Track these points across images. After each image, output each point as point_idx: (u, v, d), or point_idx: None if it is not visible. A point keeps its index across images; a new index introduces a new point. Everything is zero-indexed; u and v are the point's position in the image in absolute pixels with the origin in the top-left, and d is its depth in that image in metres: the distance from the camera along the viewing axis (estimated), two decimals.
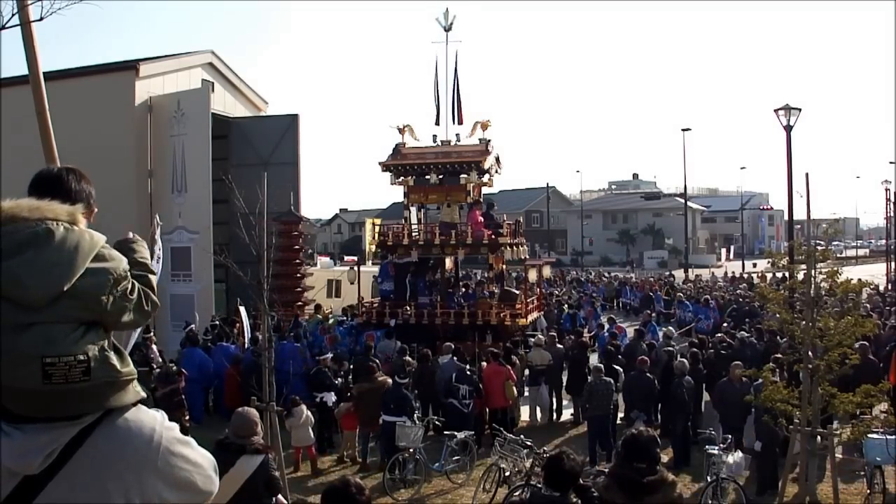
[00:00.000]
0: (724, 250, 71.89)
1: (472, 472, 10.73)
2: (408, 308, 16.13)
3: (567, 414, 14.81)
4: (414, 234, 16.81)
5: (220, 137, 21.88)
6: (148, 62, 21.93)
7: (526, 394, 14.42)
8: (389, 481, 10.30)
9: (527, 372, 14.50)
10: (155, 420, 1.61)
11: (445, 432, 11.03)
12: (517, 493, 8.55)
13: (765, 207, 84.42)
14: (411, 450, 10.48)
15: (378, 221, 18.36)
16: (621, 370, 12.98)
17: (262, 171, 9.71)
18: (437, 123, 17.48)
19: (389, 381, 11.54)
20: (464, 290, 18.75)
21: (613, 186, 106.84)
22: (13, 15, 3.98)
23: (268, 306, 8.35)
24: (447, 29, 17.33)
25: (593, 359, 15.57)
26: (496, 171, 17.55)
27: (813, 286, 8.32)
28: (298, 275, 21.15)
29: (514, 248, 17.37)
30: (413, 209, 17.54)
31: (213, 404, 14.88)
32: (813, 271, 8.40)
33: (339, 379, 13.14)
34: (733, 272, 44.09)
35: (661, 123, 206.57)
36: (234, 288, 18.11)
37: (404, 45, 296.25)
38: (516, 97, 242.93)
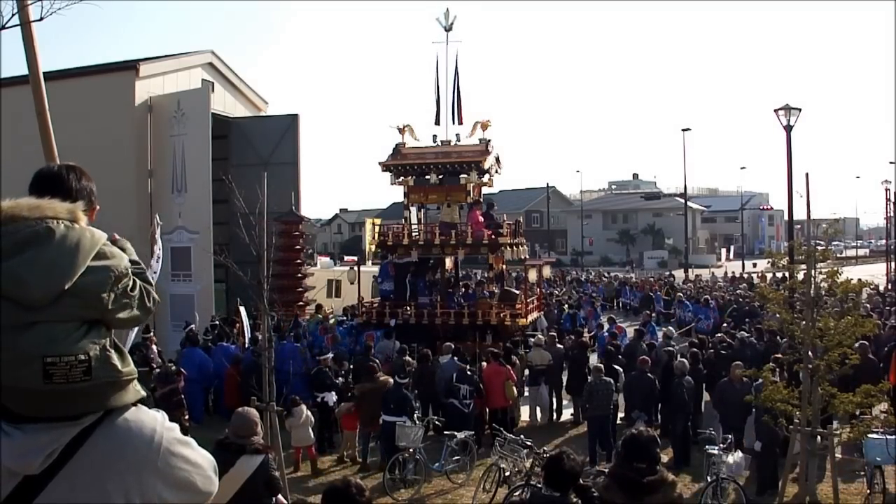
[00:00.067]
0: (724, 250, 71.89)
1: (472, 472, 10.73)
2: (408, 308, 16.13)
3: (567, 414, 14.81)
4: (414, 234, 16.81)
5: (220, 137, 21.88)
6: (148, 62, 21.94)
7: (526, 394, 14.42)
8: (389, 481, 10.30)
9: (527, 372, 14.50)
10: (155, 420, 1.61)
11: (445, 432, 11.03)
12: (517, 493, 8.55)
13: (765, 207, 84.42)
14: (411, 450, 10.48)
15: (378, 221, 18.36)
16: (621, 370, 12.98)
17: (262, 171, 9.72)
18: (437, 123, 17.51)
19: (391, 381, 11.54)
20: (464, 290, 18.75)
21: (613, 186, 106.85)
22: (13, 15, 3.98)
23: (268, 306, 8.35)
24: (447, 29, 17.33)
25: (593, 359, 15.57)
26: (496, 171, 17.55)
27: (813, 286, 8.32)
28: (299, 275, 21.16)
29: (514, 248, 17.37)
30: (413, 209, 17.54)
31: (213, 404, 14.88)
32: (813, 271, 8.40)
33: (340, 379, 13.15)
34: (733, 272, 44.10)
35: (661, 123, 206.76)
36: (234, 288, 18.11)
37: (404, 45, 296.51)
38: (516, 97, 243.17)
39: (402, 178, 16.88)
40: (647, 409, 12.38)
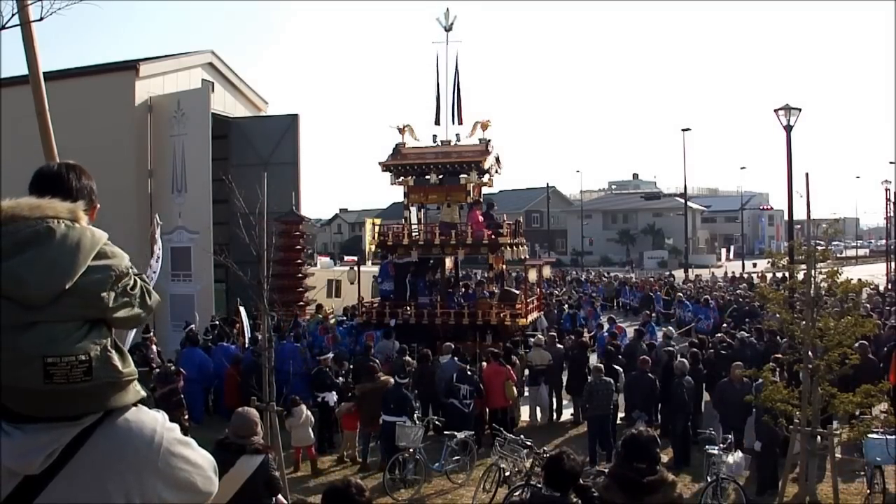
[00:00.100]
0: (724, 250, 71.90)
1: (472, 472, 10.73)
2: (408, 308, 16.13)
3: (567, 414, 14.81)
4: (414, 234, 16.81)
5: (220, 137, 21.89)
6: (148, 62, 21.94)
7: (526, 394, 14.42)
8: (389, 481, 10.30)
9: (527, 372, 14.50)
10: (156, 421, 1.60)
11: (445, 432, 11.03)
12: (517, 493, 8.55)
13: (765, 207, 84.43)
14: (411, 450, 10.48)
15: (378, 221, 18.36)
16: (621, 370, 12.98)
17: (262, 171, 9.72)
18: (437, 123, 17.52)
19: (391, 381, 11.54)
20: (464, 290, 18.75)
21: (613, 186, 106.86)
22: (13, 15, 3.98)
23: (268, 306, 8.35)
24: (447, 29, 17.34)
25: (593, 359, 15.57)
26: (496, 171, 17.56)
27: (813, 286, 8.32)
28: (300, 275, 21.16)
29: (514, 248, 17.37)
30: (413, 209, 17.54)
31: (213, 404, 14.88)
32: (813, 271, 8.40)
33: (341, 378, 13.16)
34: (733, 272, 44.10)
35: (661, 123, 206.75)
36: (234, 288, 18.11)
37: (404, 45, 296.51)
38: (516, 97, 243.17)
39: (402, 178, 16.89)
40: (647, 409, 12.38)
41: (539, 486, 6.61)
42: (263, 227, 8.31)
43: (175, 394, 11.97)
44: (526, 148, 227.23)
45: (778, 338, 13.35)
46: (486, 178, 17.31)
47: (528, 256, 20.43)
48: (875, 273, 29.96)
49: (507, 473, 9.54)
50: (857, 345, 9.65)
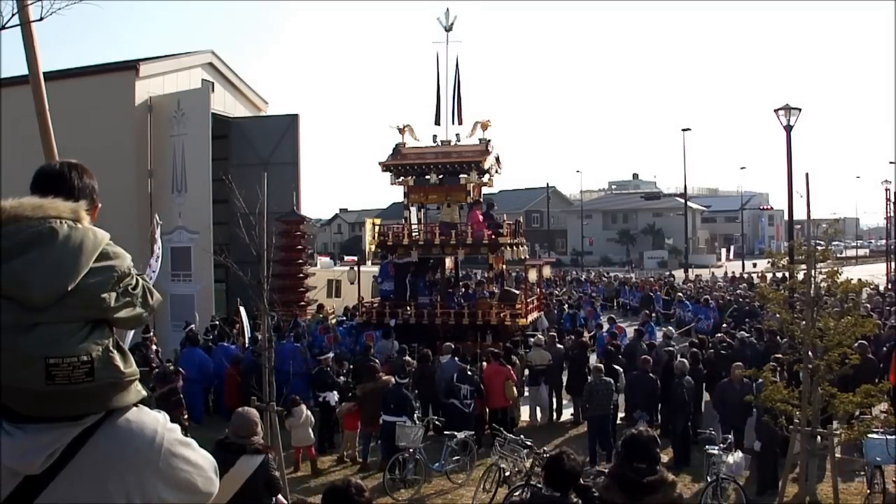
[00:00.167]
0: (724, 250, 71.89)
1: (472, 472, 10.74)
2: (408, 308, 16.13)
3: (567, 414, 14.81)
4: (414, 234, 16.81)
5: (220, 137, 21.89)
6: (148, 62, 21.95)
7: (526, 394, 14.42)
8: (389, 481, 10.30)
9: (527, 372, 14.49)
10: (157, 421, 1.61)
11: (445, 432, 11.03)
12: (517, 493, 8.55)
13: (765, 207, 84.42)
14: (411, 450, 10.48)
15: (378, 221, 18.35)
16: (621, 370, 12.98)
17: (262, 171, 9.72)
18: (438, 123, 17.52)
19: (393, 380, 11.55)
20: (464, 290, 18.75)
21: (613, 186, 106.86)
22: (13, 15, 3.98)
23: (268, 306, 8.35)
24: (448, 29, 17.33)
25: (593, 359, 15.57)
26: (496, 171, 17.56)
27: (813, 286, 8.32)
28: (301, 275, 21.15)
29: (514, 248, 17.37)
30: (413, 209, 17.54)
31: (213, 404, 14.88)
32: (813, 271, 8.40)
33: (342, 378, 13.17)
34: (733, 272, 44.11)
35: (661, 123, 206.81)
36: (234, 288, 18.11)
37: (405, 45, 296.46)
38: (517, 97, 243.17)
39: (402, 178, 16.89)
40: (648, 409, 12.39)
41: (539, 486, 6.61)
42: (263, 227, 8.31)
43: (174, 393, 11.97)
44: (526, 148, 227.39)
45: (778, 338, 13.35)
46: (486, 178, 17.31)
47: (528, 256, 20.42)
48: (875, 273, 29.97)
49: (507, 473, 9.54)
50: (856, 345, 9.64)
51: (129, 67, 21.37)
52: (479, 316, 15.63)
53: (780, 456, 9.55)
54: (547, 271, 23.08)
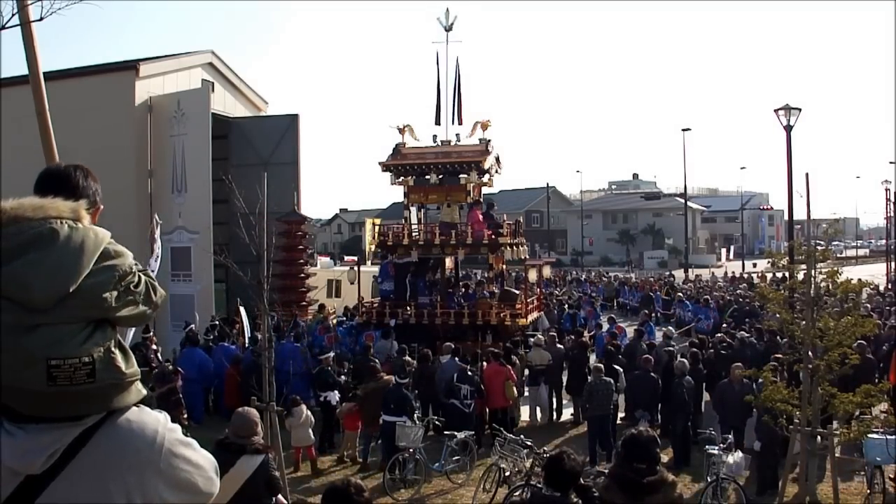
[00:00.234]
0: (724, 250, 71.91)
1: (472, 472, 10.74)
2: (408, 308, 16.14)
3: (567, 414, 14.81)
4: (414, 234, 16.81)
5: (220, 137, 21.88)
6: (148, 62, 21.94)
7: (526, 394, 14.42)
8: (389, 481, 10.30)
9: (527, 372, 14.50)
10: (158, 421, 1.61)
11: (445, 432, 11.03)
12: (517, 493, 8.55)
13: (765, 207, 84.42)
14: (411, 450, 10.48)
15: (378, 221, 18.35)
16: (621, 370, 12.98)
17: (262, 171, 9.72)
18: (438, 123, 17.52)
19: (394, 380, 11.56)
20: (464, 290, 18.75)
21: (613, 186, 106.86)
22: (13, 15, 3.98)
23: (268, 306, 8.35)
24: (448, 29, 17.34)
25: (593, 359, 15.58)
26: (496, 171, 17.56)
27: (813, 286, 8.32)
28: (302, 275, 21.14)
29: (514, 248, 17.37)
30: (413, 209, 17.55)
31: (213, 404, 14.87)
32: (813, 271, 8.39)
33: (343, 377, 13.18)
34: (733, 272, 44.13)
35: (661, 123, 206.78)
36: (234, 288, 18.11)
37: (405, 45, 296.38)
38: (517, 97, 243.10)
39: (402, 178, 16.89)
40: (649, 408, 12.39)
41: (539, 486, 6.62)
42: (263, 227, 8.31)
43: (173, 393, 11.95)
44: (526, 148, 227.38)
45: (778, 338, 13.35)
46: (486, 178, 17.31)
47: (528, 256, 20.43)
48: (875, 273, 30.00)
49: (507, 473, 9.54)
50: (854, 345, 9.64)
51: (129, 67, 21.36)
52: (479, 316, 15.64)
53: (780, 456, 9.55)
54: (547, 271, 23.09)
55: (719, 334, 16.34)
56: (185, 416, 11.85)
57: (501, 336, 15.48)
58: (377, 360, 13.22)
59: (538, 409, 14.37)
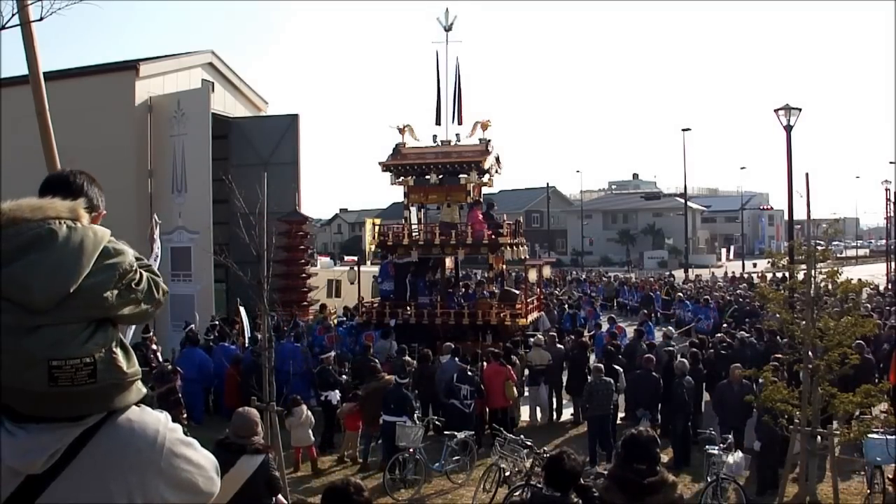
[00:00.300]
0: (724, 250, 71.93)
1: (472, 472, 10.74)
2: (408, 308, 16.13)
3: (567, 414, 14.81)
4: (414, 234, 16.81)
5: (220, 137, 21.88)
6: (148, 62, 21.93)
7: (526, 394, 14.42)
8: (389, 481, 10.30)
9: (527, 372, 14.49)
10: (158, 421, 1.61)
11: (445, 432, 11.03)
12: (517, 493, 8.55)
13: (765, 207, 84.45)
14: (411, 450, 10.48)
15: (378, 221, 18.34)
16: (621, 370, 12.98)
17: (262, 171, 9.72)
18: (438, 123, 17.51)
19: (394, 380, 11.56)
20: (464, 290, 18.74)
21: (613, 186, 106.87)
22: (13, 15, 3.97)
23: (268, 306, 8.35)
24: (447, 29, 17.34)
25: (593, 359, 15.57)
26: (496, 171, 17.56)
27: (813, 286, 8.32)
28: (304, 275, 21.14)
29: (514, 248, 17.37)
30: (413, 209, 17.54)
31: (213, 404, 14.87)
32: (813, 271, 8.39)
33: (345, 377, 13.18)
34: (733, 272, 44.14)
35: (661, 123, 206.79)
36: (234, 288, 18.11)
37: (404, 45, 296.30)
38: (517, 97, 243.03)
39: (402, 178, 16.89)
40: (651, 408, 12.39)
41: (539, 486, 6.61)
42: (263, 227, 8.31)
43: (173, 393, 11.95)
44: (526, 148, 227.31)
45: (778, 338, 13.35)
46: (486, 178, 17.31)
47: (528, 256, 20.42)
48: (875, 273, 30.02)
49: (507, 473, 9.54)
50: (853, 344, 9.65)
51: (129, 67, 21.36)
52: (479, 316, 15.63)
53: (780, 456, 9.55)
54: (547, 271, 23.08)
55: (719, 334, 16.35)
56: (185, 415, 11.86)
57: (501, 336, 15.47)
58: (377, 361, 13.22)
59: (538, 409, 14.37)
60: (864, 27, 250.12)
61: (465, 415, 11.89)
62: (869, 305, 20.49)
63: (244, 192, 8.78)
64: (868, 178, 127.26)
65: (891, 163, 73.45)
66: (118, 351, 1.56)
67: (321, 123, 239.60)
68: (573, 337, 16.83)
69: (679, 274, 43.99)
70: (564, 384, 14.68)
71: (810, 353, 8.13)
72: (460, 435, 10.76)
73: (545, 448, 9.64)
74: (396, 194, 29.96)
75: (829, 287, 8.56)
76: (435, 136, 17.33)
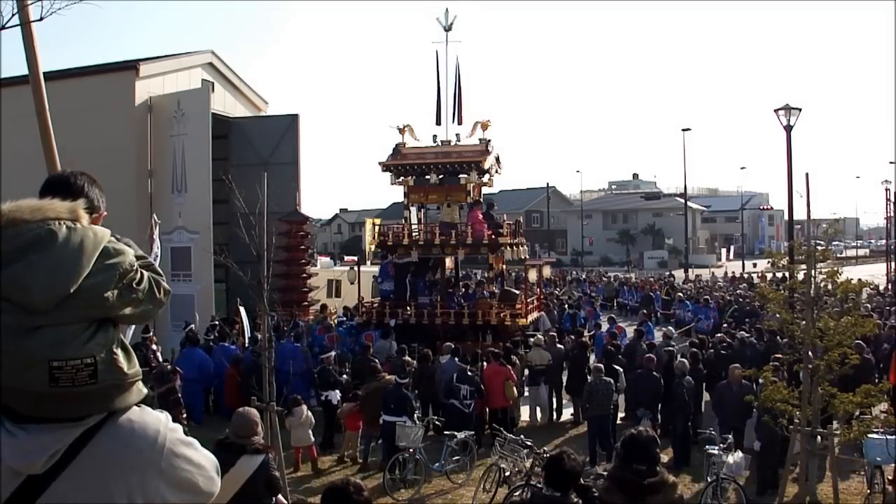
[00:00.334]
0: (724, 250, 71.93)
1: (472, 472, 10.74)
2: (408, 308, 16.14)
3: (567, 414, 14.81)
4: (414, 234, 16.82)
5: (220, 137, 21.88)
6: (148, 62, 21.93)
7: (526, 394, 14.42)
8: (389, 481, 10.30)
9: (527, 372, 14.49)
10: (159, 421, 1.61)
11: (445, 432, 11.03)
12: (517, 493, 8.55)
13: (765, 207, 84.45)
14: (411, 450, 10.49)
15: (378, 221, 18.34)
16: (621, 370, 12.98)
17: (262, 171, 9.72)
18: (438, 123, 17.51)
19: (395, 380, 11.56)
20: (464, 290, 18.74)
21: (613, 186, 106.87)
22: (13, 15, 3.97)
23: (268, 306, 8.35)
24: (447, 29, 17.34)
25: (593, 359, 15.57)
26: (496, 171, 17.56)
27: (813, 286, 8.32)
28: (304, 275, 21.14)
29: (514, 248, 17.37)
30: (413, 209, 17.55)
31: (213, 404, 14.87)
32: (813, 271, 8.40)
33: (345, 377, 13.18)
34: (733, 272, 44.14)
35: (661, 123, 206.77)
36: (234, 288, 18.11)
37: (404, 45, 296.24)
38: (517, 97, 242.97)
39: (402, 178, 16.89)
40: (651, 408, 12.39)
41: (539, 486, 6.61)
42: (263, 227, 8.31)
43: (172, 393, 11.94)
44: (526, 148, 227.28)
45: (778, 338, 13.35)
46: (486, 178, 17.31)
47: (528, 256, 20.42)
48: (875, 273, 30.02)
49: (507, 473, 9.54)
50: (853, 345, 9.65)
51: (129, 67, 21.36)
52: (479, 316, 15.63)
53: (780, 456, 9.55)
54: (547, 271, 23.09)
55: (719, 334, 16.35)
56: (185, 415, 11.86)
57: (501, 336, 15.47)
58: (377, 361, 13.23)
59: (538, 409, 14.37)
60: (864, 27, 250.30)
61: (465, 415, 11.89)
62: (869, 305, 20.49)
63: (244, 192, 8.78)
64: (868, 178, 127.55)
65: (891, 163, 73.43)
66: (119, 351, 1.56)
67: (321, 123, 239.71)
68: (573, 337, 16.82)
69: (679, 274, 43.99)
70: (564, 384, 14.68)
71: (810, 353, 8.13)
72: (460, 435, 10.76)
73: (545, 448, 9.63)
74: (396, 194, 30.03)
75: (829, 287, 8.56)
76: (435, 136, 17.34)
